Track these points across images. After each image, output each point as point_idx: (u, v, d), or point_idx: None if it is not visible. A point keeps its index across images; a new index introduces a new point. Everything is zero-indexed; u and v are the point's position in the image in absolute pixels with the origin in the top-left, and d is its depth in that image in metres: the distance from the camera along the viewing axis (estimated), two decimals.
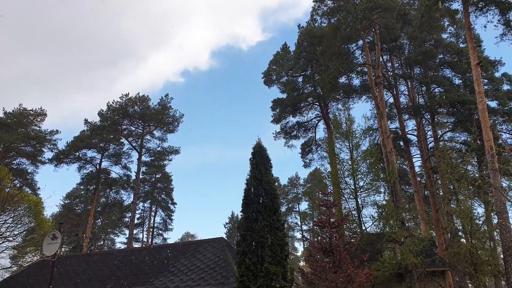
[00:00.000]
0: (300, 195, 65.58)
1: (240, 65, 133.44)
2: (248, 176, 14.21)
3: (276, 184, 18.87)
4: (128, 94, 46.16)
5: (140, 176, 48.24)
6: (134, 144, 46.98)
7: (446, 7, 24.42)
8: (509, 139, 31.59)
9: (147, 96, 47.19)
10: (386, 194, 26.57)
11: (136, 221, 50.47)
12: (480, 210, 22.60)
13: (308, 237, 46.07)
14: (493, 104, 31.98)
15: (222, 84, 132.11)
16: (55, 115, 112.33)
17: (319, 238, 17.10)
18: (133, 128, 47.34)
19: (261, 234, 12.78)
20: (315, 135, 41.60)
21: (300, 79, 41.20)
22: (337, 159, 25.22)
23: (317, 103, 40.15)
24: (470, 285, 24.06)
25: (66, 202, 56.95)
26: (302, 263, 58.63)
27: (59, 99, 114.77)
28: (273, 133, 42.59)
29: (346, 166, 24.66)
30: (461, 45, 35.40)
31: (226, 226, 69.47)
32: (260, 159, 14.21)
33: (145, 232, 56.42)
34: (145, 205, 57.03)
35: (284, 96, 40.99)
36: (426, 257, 21.34)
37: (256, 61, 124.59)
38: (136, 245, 52.96)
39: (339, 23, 31.08)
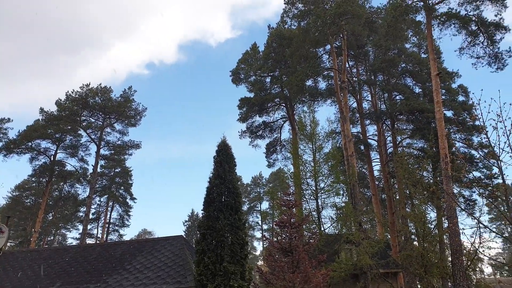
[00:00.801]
0: (262, 195, 65.92)
1: (208, 61, 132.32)
2: (211, 174, 13.98)
3: (239, 183, 18.73)
4: (89, 84, 44.40)
5: (98, 170, 46.44)
6: (93, 137, 45.17)
7: (411, 18, 25.42)
8: (461, 148, 33.36)
9: (109, 87, 45.58)
10: (345, 196, 27.20)
11: (91, 216, 48.49)
12: (432, 214, 23.73)
13: (268, 236, 46.40)
14: (449, 113, 33.67)
15: (188, 79, 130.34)
16: (6, 102, 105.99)
17: (279, 238, 17.17)
18: (93, 120, 45.54)
19: (221, 233, 12.62)
20: (280, 136, 42.04)
21: (268, 80, 41.42)
22: (300, 160, 25.52)
23: (284, 104, 40.51)
24: (419, 286, 25.12)
25: (14, 194, 53.82)
26: (260, 262, 59.00)
27: (11, 85, 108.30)
28: (238, 132, 42.63)
29: (308, 168, 25.02)
30: (423, 56, 36.96)
31: (185, 224, 68.55)
32: (224, 157, 14.01)
33: (100, 228, 54.43)
34: (102, 200, 55.02)
35: (252, 95, 41.08)
36: (380, 258, 22.06)
37: (224, 58, 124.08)
38: (90, 241, 50.99)
39: (309, 27, 31.48)
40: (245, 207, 63.14)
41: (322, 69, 36.39)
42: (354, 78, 40.23)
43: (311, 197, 24.51)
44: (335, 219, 24.26)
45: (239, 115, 41.54)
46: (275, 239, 17.99)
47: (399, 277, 25.34)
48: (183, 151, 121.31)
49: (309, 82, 37.53)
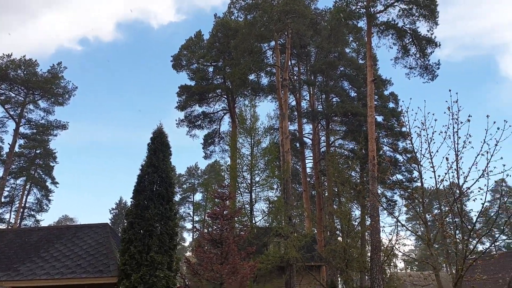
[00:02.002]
0: (196, 186, 65.13)
1: (148, 43, 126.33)
2: (144, 162, 13.40)
3: (172, 172, 18.24)
4: (11, 55, 40.11)
5: (16, 150, 42.41)
6: (11, 113, 41.02)
7: (353, 23, 26.54)
8: (388, 152, 35.85)
9: (35, 61, 41.55)
10: (278, 191, 27.85)
11: (3, 200, 44.10)
12: (357, 212, 25.19)
13: (199, 228, 46.03)
14: (380, 118, 35.85)
15: (125, 60, 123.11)
16: None
17: (210, 229, 17.07)
18: (13, 95, 41.32)
19: (150, 223, 12.18)
20: (219, 128, 41.66)
21: (210, 69, 40.71)
22: (238, 153, 25.64)
23: (225, 96, 40.16)
24: (339, 279, 26.61)
25: None
26: (189, 254, 58.38)
27: None
28: (176, 120, 41.43)
29: (245, 161, 25.25)
30: (360, 61, 38.89)
31: (112, 212, 65.60)
32: (159, 145, 13.51)
33: (13, 213, 49.72)
34: (18, 182, 50.21)
35: (193, 83, 40.06)
36: (306, 252, 22.93)
37: (166, 42, 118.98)
38: (1, 226, 46.48)
39: (255, 21, 31.50)
40: (177, 198, 61.93)
41: (265, 65, 36.69)
42: (295, 77, 41.17)
43: (246, 190, 24.77)
44: (266, 212, 24.75)
45: (177, 102, 40.36)
46: (206, 231, 17.87)
47: (322, 270, 26.59)
48: (115, 135, 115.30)
49: (252, 76, 37.67)
